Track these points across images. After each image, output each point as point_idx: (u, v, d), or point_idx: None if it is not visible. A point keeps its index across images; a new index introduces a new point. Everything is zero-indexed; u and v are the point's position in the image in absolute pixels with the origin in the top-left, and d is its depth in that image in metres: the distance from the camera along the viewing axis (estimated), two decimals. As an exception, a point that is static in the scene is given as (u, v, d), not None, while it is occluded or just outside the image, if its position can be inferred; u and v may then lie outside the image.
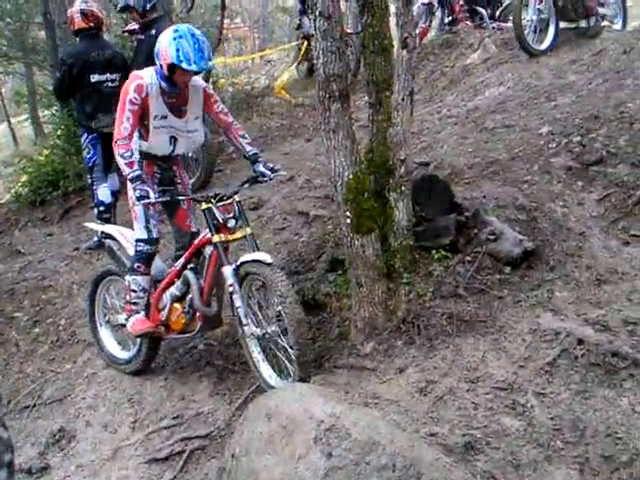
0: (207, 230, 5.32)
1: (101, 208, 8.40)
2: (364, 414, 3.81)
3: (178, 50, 5.10)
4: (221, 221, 5.20)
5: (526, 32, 9.79)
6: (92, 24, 8.42)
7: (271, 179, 5.65)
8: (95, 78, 8.27)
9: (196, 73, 5.36)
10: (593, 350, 4.40)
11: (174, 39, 5.14)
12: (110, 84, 8.27)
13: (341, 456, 3.50)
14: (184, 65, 5.11)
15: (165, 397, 5.64)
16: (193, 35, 5.19)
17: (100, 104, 8.03)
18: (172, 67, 5.18)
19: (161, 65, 5.22)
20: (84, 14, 8.37)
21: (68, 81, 8.28)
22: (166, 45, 5.16)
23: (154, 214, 5.52)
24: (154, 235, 5.53)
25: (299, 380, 4.80)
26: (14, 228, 10.78)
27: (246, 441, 3.86)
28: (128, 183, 5.28)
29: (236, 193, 5.38)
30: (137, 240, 5.55)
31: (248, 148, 5.66)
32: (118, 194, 8.55)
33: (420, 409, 4.32)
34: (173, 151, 5.55)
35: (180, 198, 5.64)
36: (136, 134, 5.38)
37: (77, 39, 8.69)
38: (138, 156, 5.44)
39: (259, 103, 13.51)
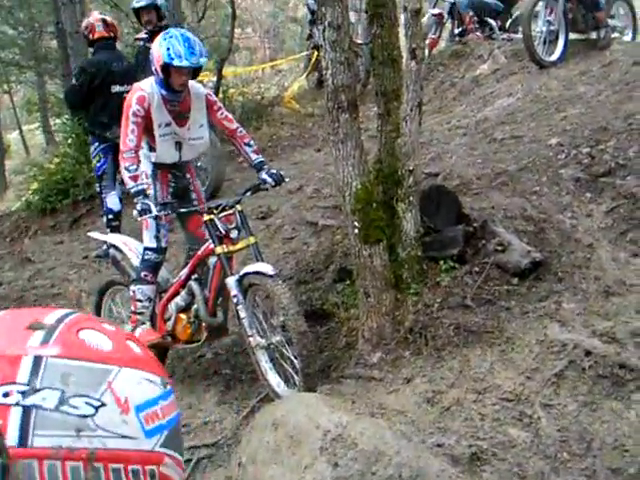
0: (210, 240, 5.32)
1: (110, 216, 8.42)
2: (371, 424, 3.82)
3: (168, 49, 5.14)
4: (223, 232, 5.19)
5: (536, 43, 9.78)
6: (112, 33, 8.48)
7: (273, 186, 5.62)
8: (116, 89, 8.31)
9: (193, 75, 5.37)
10: (601, 362, 4.39)
11: (164, 39, 5.21)
12: (124, 95, 8.29)
13: (347, 466, 3.50)
14: (175, 62, 5.13)
15: (172, 405, 5.64)
16: (183, 34, 5.28)
17: (116, 114, 8.06)
18: (166, 68, 5.20)
19: (156, 69, 5.25)
20: (106, 23, 8.43)
21: (87, 90, 8.30)
22: (157, 47, 5.22)
23: (165, 224, 5.53)
24: (163, 245, 5.54)
25: (305, 391, 4.80)
26: (24, 236, 10.83)
27: (253, 450, 3.87)
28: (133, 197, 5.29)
29: (238, 202, 5.37)
30: (145, 248, 5.56)
31: (253, 156, 5.65)
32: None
33: (427, 419, 4.32)
34: (180, 158, 5.57)
35: (182, 211, 5.59)
36: (145, 146, 5.40)
37: (91, 49, 8.73)
38: (151, 167, 5.46)
39: (269, 113, 13.54)
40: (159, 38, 5.27)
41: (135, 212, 5.15)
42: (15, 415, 1.01)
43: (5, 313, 1.20)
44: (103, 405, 1.05)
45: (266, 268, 5.02)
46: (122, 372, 1.09)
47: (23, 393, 1.02)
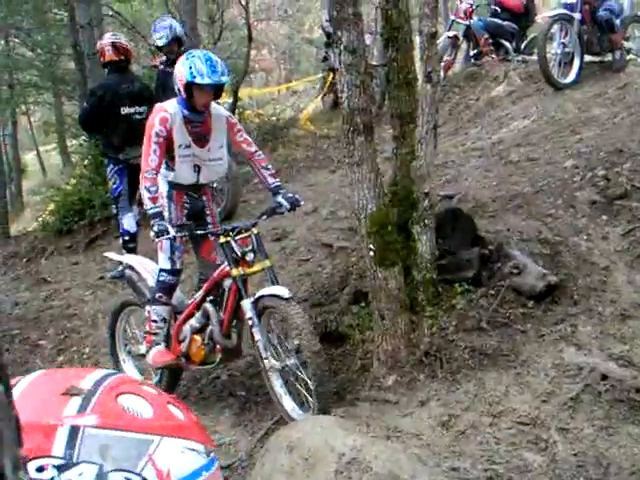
0: (226, 263, 5.33)
1: (126, 237, 8.45)
2: (385, 447, 3.81)
3: (191, 67, 5.18)
4: (239, 254, 5.20)
5: (551, 65, 9.81)
6: (122, 57, 8.54)
7: (288, 211, 5.63)
8: (125, 111, 8.36)
9: (215, 95, 5.40)
10: (617, 386, 4.37)
11: (186, 59, 5.25)
12: (138, 116, 8.33)
13: (362, 490, 3.49)
14: (198, 80, 5.16)
15: (187, 427, 5.63)
16: (205, 54, 5.31)
17: (128, 136, 8.09)
18: (189, 87, 5.23)
19: (179, 89, 5.29)
20: (115, 47, 8.49)
21: (97, 112, 8.37)
22: (180, 67, 5.26)
23: (180, 246, 5.55)
24: (177, 266, 5.56)
25: (319, 412, 4.79)
26: (40, 256, 10.89)
27: (267, 473, 3.86)
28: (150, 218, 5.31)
29: (254, 225, 5.39)
30: (160, 270, 5.58)
31: (270, 180, 5.66)
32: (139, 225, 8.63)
33: (442, 443, 4.30)
34: (198, 180, 5.59)
35: (198, 232, 5.61)
36: (163, 165, 5.43)
37: (106, 71, 8.81)
38: (167, 188, 5.49)
39: (285, 134, 13.60)
40: (182, 58, 5.31)
41: (152, 233, 5.17)
42: None
43: (39, 375, 1.13)
44: None
45: (282, 291, 5.02)
46: (163, 442, 1.03)
47: (59, 468, 0.95)
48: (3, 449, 0.64)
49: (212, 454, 1.14)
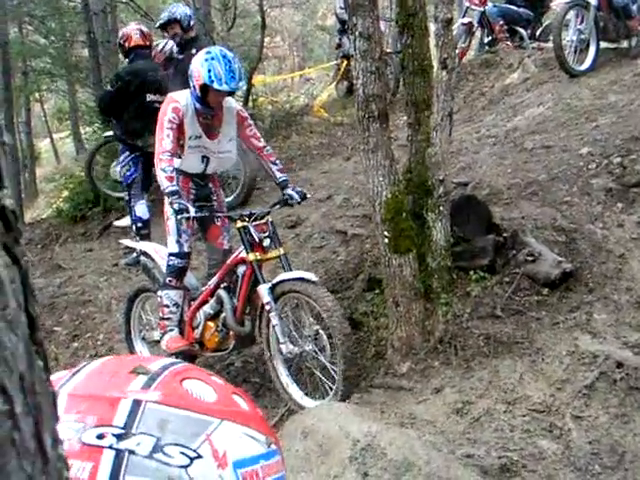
0: (240, 249, 5.36)
1: (139, 224, 8.46)
2: (400, 434, 3.81)
3: (210, 71, 5.21)
4: (257, 240, 5.23)
5: (566, 52, 9.73)
6: (148, 43, 8.62)
7: (299, 203, 5.71)
8: (150, 97, 8.40)
9: (229, 94, 5.46)
10: (632, 374, 4.36)
11: (206, 60, 5.27)
12: (157, 105, 8.36)
13: (377, 476, 3.50)
14: (215, 85, 5.21)
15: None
16: (225, 56, 5.31)
17: (149, 123, 8.11)
18: (204, 88, 5.28)
19: (194, 86, 5.31)
20: (143, 33, 8.58)
21: (122, 97, 8.39)
22: (199, 66, 5.28)
23: (187, 229, 5.57)
24: (185, 249, 5.58)
25: (342, 395, 4.82)
26: (55, 243, 10.91)
27: (282, 459, 3.86)
28: (165, 197, 5.35)
29: (269, 213, 5.44)
30: (169, 254, 5.61)
31: (278, 175, 5.71)
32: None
33: (456, 430, 4.30)
34: (205, 170, 5.63)
35: (217, 215, 5.70)
36: None
37: (123, 59, 8.86)
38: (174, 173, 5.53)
39: (298, 122, 13.55)
40: (201, 57, 5.32)
41: (170, 211, 5.22)
42: (107, 458, 0.97)
43: (112, 358, 1.18)
44: (199, 457, 1.01)
45: (308, 275, 5.09)
46: (223, 425, 1.04)
47: (118, 436, 0.99)
48: (43, 424, 0.65)
49: (273, 446, 1.14)
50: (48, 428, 0.66)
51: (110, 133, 9.36)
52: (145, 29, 8.78)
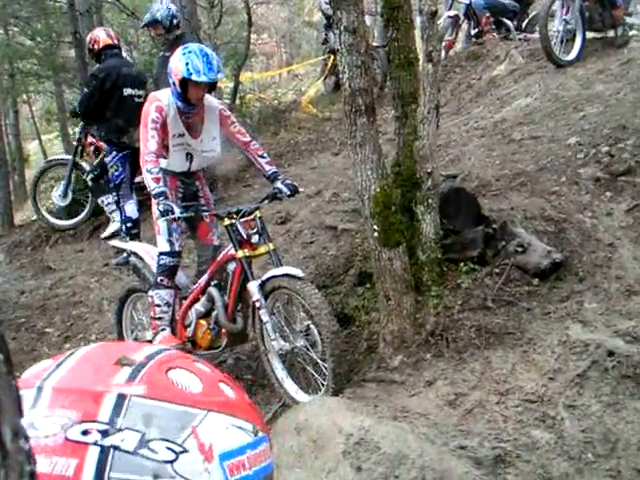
0: (230, 246, 5.36)
1: (129, 224, 8.47)
2: (393, 427, 3.82)
3: (187, 64, 5.22)
4: (245, 236, 5.23)
5: (553, 43, 9.73)
6: (116, 41, 8.72)
7: (288, 197, 5.69)
8: (127, 92, 8.47)
9: (210, 88, 5.45)
10: (624, 362, 4.37)
11: (183, 54, 5.29)
12: (137, 99, 8.40)
13: (370, 470, 3.50)
14: (194, 77, 5.21)
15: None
16: (201, 50, 5.35)
17: (132, 118, 8.11)
18: (184, 82, 5.27)
19: (174, 82, 5.31)
20: (109, 33, 8.77)
21: (99, 96, 8.42)
22: (176, 62, 5.29)
23: (177, 228, 5.57)
24: (176, 248, 5.58)
25: (333, 392, 4.82)
26: (45, 245, 10.88)
27: (275, 455, 3.85)
28: (152, 198, 5.35)
29: (257, 209, 5.43)
30: (160, 253, 5.61)
31: (267, 167, 5.71)
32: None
33: (449, 422, 4.31)
34: (190, 168, 5.63)
35: (203, 213, 5.70)
36: None
37: (97, 62, 8.95)
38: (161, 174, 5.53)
39: (287, 118, 13.55)
40: (178, 52, 5.34)
41: (157, 213, 5.22)
42: (92, 455, 0.97)
43: (97, 346, 1.17)
44: (185, 451, 1.00)
45: (295, 271, 5.09)
46: (208, 417, 1.04)
47: (103, 432, 0.99)
48: (3, 417, 0.65)
49: (260, 434, 1.13)
50: (8, 421, 0.66)
51: (54, 157, 9.52)
52: (111, 31, 9.03)
